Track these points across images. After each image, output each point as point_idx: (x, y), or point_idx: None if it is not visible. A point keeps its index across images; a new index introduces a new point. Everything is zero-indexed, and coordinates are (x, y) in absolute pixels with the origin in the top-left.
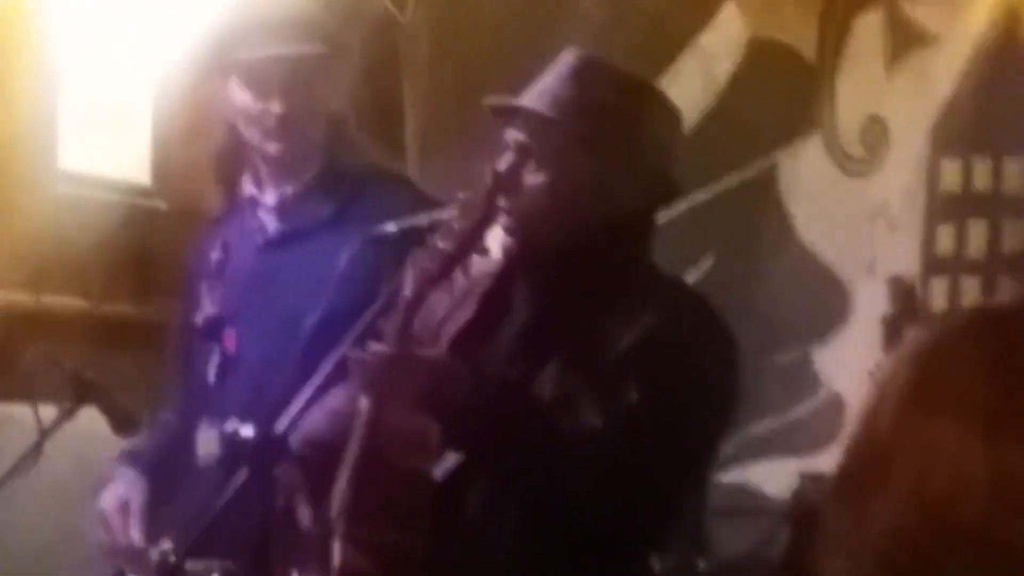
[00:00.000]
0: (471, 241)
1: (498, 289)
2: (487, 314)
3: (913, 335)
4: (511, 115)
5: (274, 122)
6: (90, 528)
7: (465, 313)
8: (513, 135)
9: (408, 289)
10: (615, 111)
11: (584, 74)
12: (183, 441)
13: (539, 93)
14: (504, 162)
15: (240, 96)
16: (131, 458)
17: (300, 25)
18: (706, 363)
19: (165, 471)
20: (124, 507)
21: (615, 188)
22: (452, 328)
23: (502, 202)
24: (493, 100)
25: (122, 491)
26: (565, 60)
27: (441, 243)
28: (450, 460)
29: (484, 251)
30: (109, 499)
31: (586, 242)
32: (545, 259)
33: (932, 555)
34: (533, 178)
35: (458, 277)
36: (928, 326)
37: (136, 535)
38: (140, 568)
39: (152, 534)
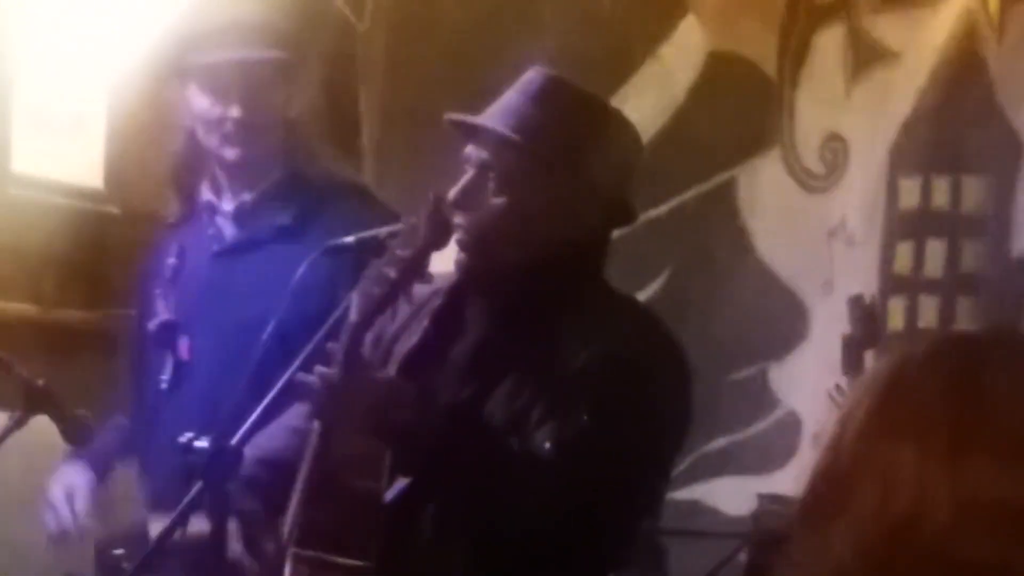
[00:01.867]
0: (416, 267)
1: (450, 308)
2: (438, 334)
3: (878, 361)
4: (473, 132)
5: (232, 127)
6: (39, 518)
7: (415, 333)
8: (475, 152)
9: (354, 313)
10: (580, 134)
11: (549, 95)
12: (135, 447)
13: (503, 112)
14: (461, 182)
15: (198, 101)
16: (79, 455)
17: (259, 30)
18: (659, 384)
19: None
20: (71, 494)
21: (574, 210)
22: (403, 349)
23: (458, 219)
24: (456, 117)
25: (69, 480)
26: (530, 79)
27: (386, 268)
28: (401, 482)
29: (428, 278)
30: (56, 488)
31: (541, 261)
32: (499, 277)
33: (895, 575)
34: (492, 197)
35: (403, 301)
36: (892, 352)
37: (83, 518)
38: (85, 558)
39: (105, 541)
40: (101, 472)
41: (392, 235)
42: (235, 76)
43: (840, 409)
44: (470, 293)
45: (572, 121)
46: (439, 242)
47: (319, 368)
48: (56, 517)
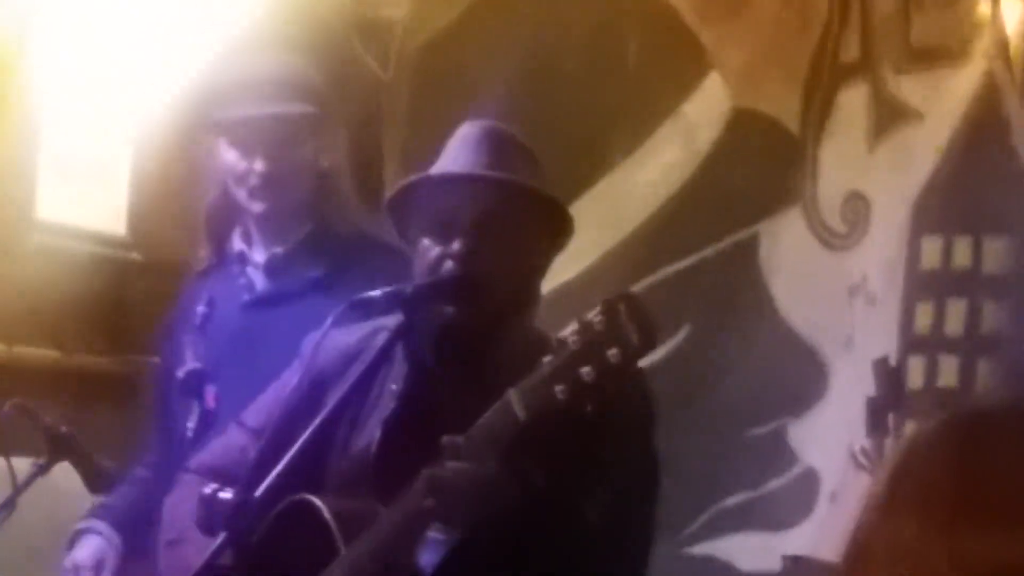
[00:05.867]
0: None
1: (416, 371)
2: (410, 400)
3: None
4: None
5: (257, 181)
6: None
7: (384, 402)
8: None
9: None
10: (525, 165)
11: (492, 139)
12: (158, 497)
13: (462, 164)
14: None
15: (226, 155)
16: (104, 512)
17: (285, 85)
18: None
19: (139, 528)
20: (99, 565)
21: (534, 241)
22: (378, 418)
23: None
24: (414, 178)
25: (97, 546)
26: (466, 131)
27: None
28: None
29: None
30: (85, 555)
31: (515, 304)
32: (484, 324)
33: None
34: (477, 245)
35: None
36: (915, 428)
37: None
38: None
39: None
40: (126, 531)
41: (417, 290)
42: (260, 131)
43: (870, 485)
44: (441, 349)
45: (518, 153)
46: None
47: (453, 464)
48: None
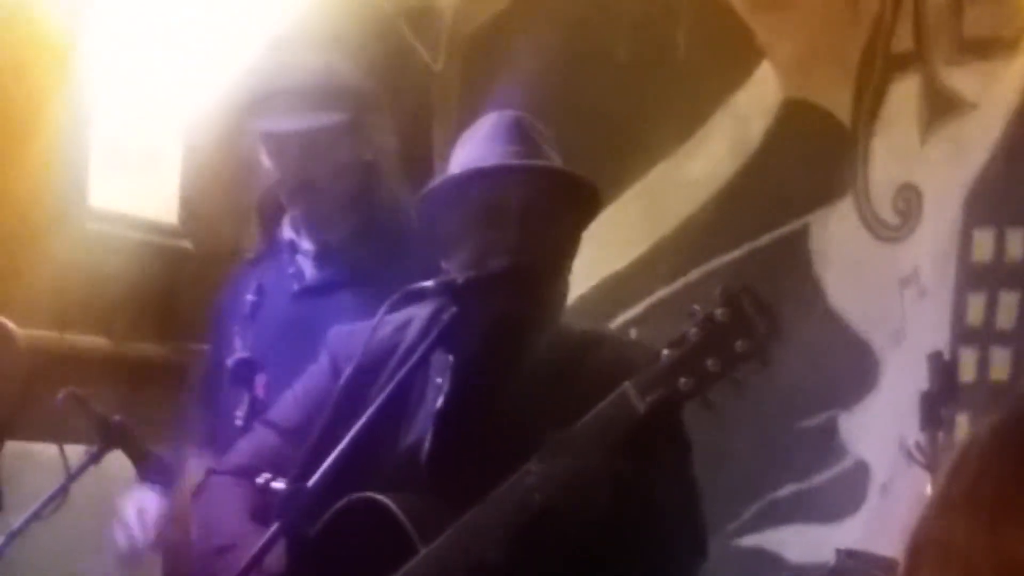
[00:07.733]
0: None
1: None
2: (464, 387)
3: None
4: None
5: (290, 190)
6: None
7: (437, 388)
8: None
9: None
10: (551, 149)
11: (522, 128)
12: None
13: (498, 155)
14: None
15: (265, 159)
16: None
17: (317, 93)
18: None
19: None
20: (141, 512)
21: (571, 227)
22: (431, 406)
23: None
24: (468, 170)
25: (140, 498)
26: (496, 121)
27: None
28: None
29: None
30: (128, 506)
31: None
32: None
33: None
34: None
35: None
36: (973, 427)
37: (152, 535)
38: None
39: None
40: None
41: (469, 281)
42: (291, 144)
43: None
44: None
45: (545, 140)
46: None
47: (564, 460)
48: (127, 535)
